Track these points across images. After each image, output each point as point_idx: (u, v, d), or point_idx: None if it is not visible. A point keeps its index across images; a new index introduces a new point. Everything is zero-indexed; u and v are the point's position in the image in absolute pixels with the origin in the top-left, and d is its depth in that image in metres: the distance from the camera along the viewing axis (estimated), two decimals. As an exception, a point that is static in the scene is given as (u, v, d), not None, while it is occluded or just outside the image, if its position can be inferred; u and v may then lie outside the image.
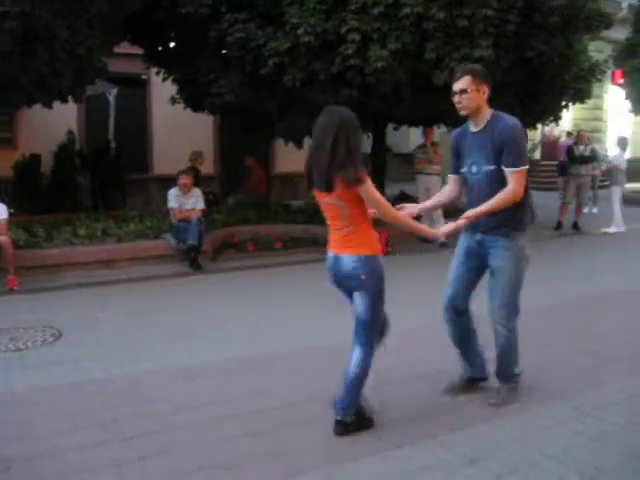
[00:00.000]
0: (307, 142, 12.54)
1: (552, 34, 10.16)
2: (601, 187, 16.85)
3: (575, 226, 13.40)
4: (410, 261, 9.84)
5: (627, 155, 13.71)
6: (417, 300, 6.90)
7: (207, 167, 13.91)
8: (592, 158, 13.48)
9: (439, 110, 10.52)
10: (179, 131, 15.18)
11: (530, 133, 20.26)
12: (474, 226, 4.28)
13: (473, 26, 9.31)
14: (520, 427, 4.08)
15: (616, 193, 13.20)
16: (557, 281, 8.46)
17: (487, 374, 4.64)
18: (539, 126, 15.06)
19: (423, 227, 4.10)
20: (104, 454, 3.72)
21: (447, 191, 4.61)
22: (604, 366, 5.24)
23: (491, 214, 4.15)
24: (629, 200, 15.06)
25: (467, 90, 4.13)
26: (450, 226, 4.16)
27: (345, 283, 3.85)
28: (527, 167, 4.11)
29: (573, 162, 13.28)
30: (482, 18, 9.23)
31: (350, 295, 3.89)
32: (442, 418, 4.22)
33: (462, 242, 4.48)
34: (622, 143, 13.63)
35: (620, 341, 5.94)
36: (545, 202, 16.25)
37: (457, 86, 4.18)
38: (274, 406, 4.40)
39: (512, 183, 4.07)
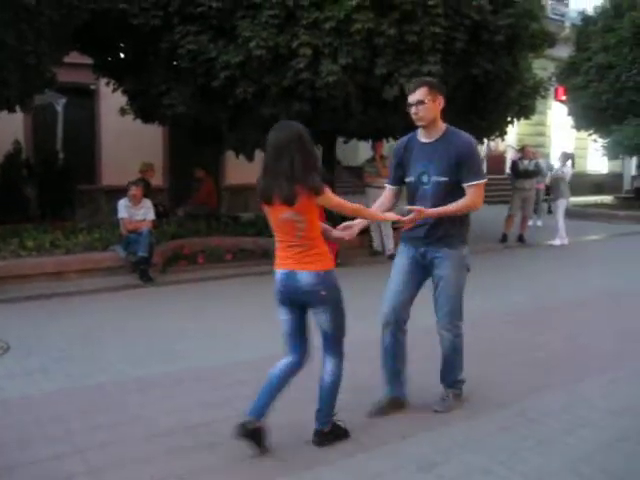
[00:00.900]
0: (258, 155, 12.59)
1: (498, 52, 10.44)
2: (545, 200, 17.31)
3: (520, 239, 13.70)
4: (358, 274, 9.93)
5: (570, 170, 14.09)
6: (367, 312, 6.99)
7: (157, 179, 13.84)
8: (536, 172, 13.84)
9: (388, 124, 10.70)
10: (128, 142, 15.07)
11: (476, 148, 20.66)
12: (417, 239, 4.36)
13: (422, 42, 9.51)
14: (468, 433, 4.18)
15: (562, 206, 13.56)
16: (499, 292, 8.67)
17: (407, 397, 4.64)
18: (485, 141, 15.36)
19: (379, 215, 4.37)
20: (57, 468, 3.69)
21: (387, 201, 4.57)
22: (547, 373, 5.40)
23: (435, 226, 4.26)
24: (570, 213, 15.46)
25: (424, 101, 4.17)
26: (409, 217, 4.14)
27: (303, 299, 3.82)
28: (486, 180, 4.27)
29: (517, 176, 13.60)
30: (431, 35, 9.45)
31: (299, 311, 3.90)
32: (392, 426, 4.30)
33: (403, 256, 4.50)
34: (568, 157, 14.04)
35: (560, 349, 6.12)
36: (491, 215, 16.57)
37: (413, 97, 4.21)
38: (227, 417, 4.41)
39: (472, 195, 4.21)
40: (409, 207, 4.17)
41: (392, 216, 4.28)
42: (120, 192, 10.16)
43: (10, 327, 6.67)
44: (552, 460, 3.81)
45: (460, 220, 4.33)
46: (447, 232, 4.28)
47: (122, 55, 11.44)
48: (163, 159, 16.60)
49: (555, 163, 15.14)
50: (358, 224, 4.27)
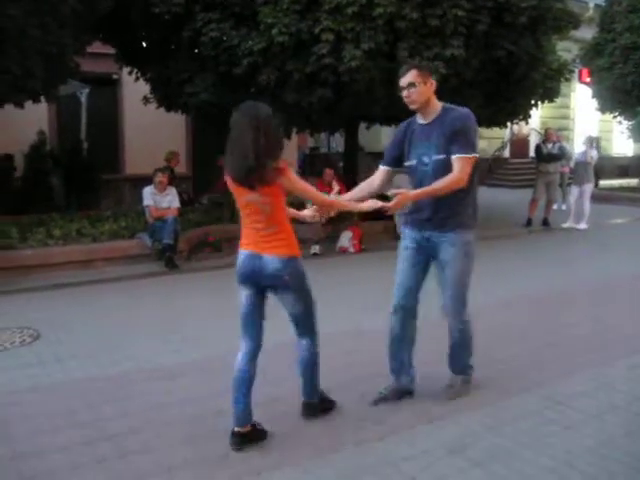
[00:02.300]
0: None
1: (521, 34, 10.33)
2: (569, 184, 17.17)
3: (545, 222, 13.62)
4: (382, 258, 9.94)
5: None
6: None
7: (180, 167, 13.92)
8: (560, 156, 13.70)
9: (409, 109, 10.65)
10: (151, 131, 15.14)
11: (499, 132, 20.56)
12: (421, 222, 4.30)
13: (444, 26, 9.45)
14: (494, 417, 4.20)
15: (589, 190, 13.47)
16: (525, 276, 8.62)
17: (414, 389, 4.61)
18: (508, 124, 15.24)
19: (356, 204, 4.18)
20: (89, 452, 3.75)
21: (376, 182, 4.49)
22: (573, 357, 5.40)
23: (438, 210, 4.19)
24: (595, 197, 15.29)
25: (415, 83, 4.12)
26: (394, 201, 3.96)
27: (266, 282, 3.86)
28: (476, 156, 4.11)
29: (541, 160, 13.49)
30: (453, 18, 9.38)
31: (259, 293, 3.96)
32: (419, 410, 4.32)
33: (407, 240, 4.44)
34: (593, 141, 13.93)
35: (585, 333, 6.10)
36: (515, 199, 16.49)
37: (404, 80, 4.16)
38: (256, 402, 4.44)
39: (457, 169, 4.05)
40: (394, 191, 3.98)
41: (368, 205, 4.08)
42: (144, 181, 10.23)
43: (39, 315, 6.76)
44: (578, 443, 3.81)
45: (464, 204, 4.22)
46: (451, 216, 4.20)
47: (144, 44, 11.48)
48: (186, 147, 16.67)
49: (578, 147, 14.96)
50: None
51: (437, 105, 4.25)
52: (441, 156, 4.14)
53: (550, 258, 10.30)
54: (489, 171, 23.37)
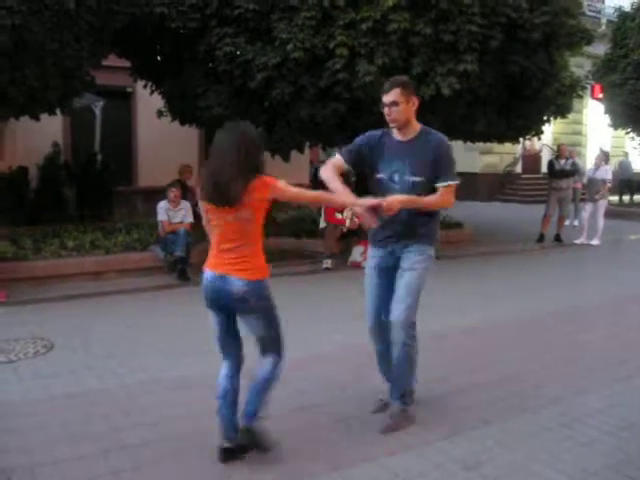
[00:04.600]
0: (294, 155, 12.67)
1: (534, 50, 10.36)
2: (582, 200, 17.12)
3: (557, 238, 13.58)
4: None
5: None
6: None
7: (193, 180, 13.96)
8: (573, 172, 13.68)
9: (425, 123, 10.67)
10: (164, 144, 15.21)
11: (511, 147, 20.56)
12: (387, 238, 4.27)
13: (458, 41, 9.50)
14: (510, 434, 4.18)
15: (603, 206, 13.45)
16: (538, 292, 8.60)
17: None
18: (520, 140, 15.21)
19: (355, 200, 4.02)
20: (103, 463, 3.76)
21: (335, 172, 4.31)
22: (589, 374, 5.38)
23: (406, 225, 4.16)
24: (607, 212, 15.23)
25: (397, 102, 4.12)
26: (373, 201, 3.94)
27: (231, 305, 3.73)
28: (458, 182, 4.21)
29: (554, 176, 13.47)
30: (467, 34, 9.42)
31: (228, 317, 3.83)
32: (434, 425, 4.31)
33: (373, 258, 4.43)
34: (607, 158, 13.94)
35: (602, 349, 6.08)
36: (528, 215, 16.47)
37: (387, 99, 4.15)
38: (268, 414, 4.45)
39: (444, 195, 4.13)
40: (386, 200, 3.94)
41: (364, 202, 3.96)
42: (156, 193, 10.27)
43: (53, 326, 6.80)
44: (595, 461, 3.79)
45: (430, 221, 4.26)
46: (418, 231, 4.21)
47: (159, 58, 11.56)
48: (199, 161, 16.70)
49: (591, 163, 14.93)
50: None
51: (416, 124, 4.26)
52: (418, 179, 4.12)
53: (563, 274, 10.27)
54: (501, 186, 23.36)
